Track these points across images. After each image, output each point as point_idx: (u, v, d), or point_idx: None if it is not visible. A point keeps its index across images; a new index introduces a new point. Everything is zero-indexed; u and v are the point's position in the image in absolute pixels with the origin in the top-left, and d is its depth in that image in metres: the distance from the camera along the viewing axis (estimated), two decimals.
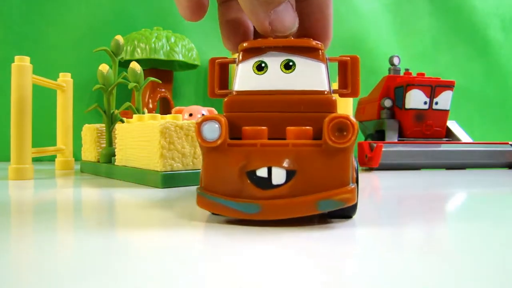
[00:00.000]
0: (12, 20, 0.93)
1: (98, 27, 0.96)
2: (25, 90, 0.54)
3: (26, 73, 0.54)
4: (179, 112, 0.58)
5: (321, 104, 0.27)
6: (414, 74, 0.88)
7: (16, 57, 0.54)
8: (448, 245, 0.22)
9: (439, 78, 0.85)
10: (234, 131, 0.27)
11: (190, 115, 0.57)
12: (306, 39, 0.28)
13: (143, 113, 0.56)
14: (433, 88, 0.83)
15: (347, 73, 0.31)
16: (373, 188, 0.49)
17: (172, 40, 0.88)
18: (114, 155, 0.57)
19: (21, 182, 0.50)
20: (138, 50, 0.85)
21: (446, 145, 0.81)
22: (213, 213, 0.28)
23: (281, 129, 0.27)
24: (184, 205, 0.33)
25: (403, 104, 0.83)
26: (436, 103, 0.84)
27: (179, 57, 0.87)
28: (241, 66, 0.29)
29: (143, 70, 0.92)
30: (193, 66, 0.95)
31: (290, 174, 0.25)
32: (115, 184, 0.49)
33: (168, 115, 0.49)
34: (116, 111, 0.60)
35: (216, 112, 0.35)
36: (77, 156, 0.73)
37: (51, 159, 0.74)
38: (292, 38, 0.29)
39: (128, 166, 0.52)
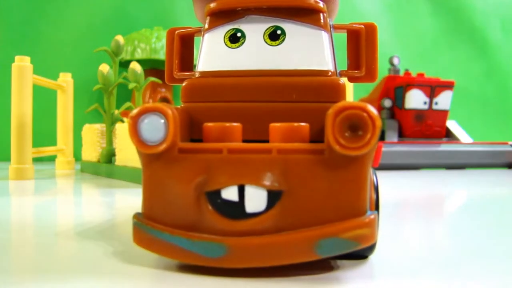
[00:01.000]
0: (12, 20, 0.93)
1: (98, 27, 0.96)
2: (26, 90, 0.54)
3: (26, 73, 0.54)
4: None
5: (322, 90, 0.18)
6: (414, 75, 0.88)
7: (17, 57, 0.54)
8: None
9: (439, 78, 0.85)
10: (195, 130, 0.18)
11: None
12: None
13: None
14: (432, 88, 0.83)
15: (360, 48, 0.21)
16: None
17: None
18: (115, 155, 0.57)
19: (22, 182, 0.50)
20: (139, 50, 0.85)
21: (446, 145, 0.81)
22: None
23: (262, 126, 0.18)
24: None
25: (403, 104, 0.83)
26: (436, 103, 0.84)
27: None
28: (207, 37, 0.20)
29: (144, 70, 0.92)
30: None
31: (274, 196, 0.15)
32: (115, 184, 0.49)
33: None
34: (117, 111, 0.60)
35: None
36: (77, 156, 0.73)
37: (52, 159, 0.74)
38: None
39: (128, 166, 0.52)
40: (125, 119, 0.55)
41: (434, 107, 0.84)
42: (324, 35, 0.19)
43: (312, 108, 0.18)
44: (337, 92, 0.18)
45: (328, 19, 0.20)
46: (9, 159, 0.54)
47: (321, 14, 0.19)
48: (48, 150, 0.65)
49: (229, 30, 0.19)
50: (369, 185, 0.16)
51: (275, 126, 0.17)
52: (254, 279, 0.15)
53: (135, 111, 0.16)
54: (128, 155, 0.53)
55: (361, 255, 0.18)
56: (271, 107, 0.18)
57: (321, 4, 0.19)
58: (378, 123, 0.15)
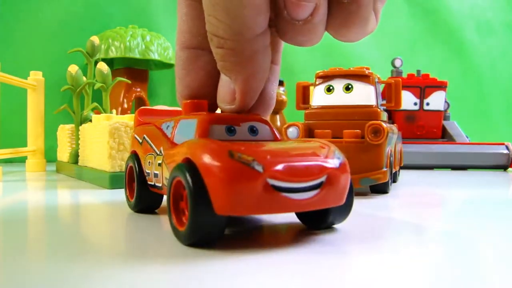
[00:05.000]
0: None
1: (71, 24, 0.93)
2: None
3: None
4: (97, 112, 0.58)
5: (368, 114, 0.41)
6: (404, 75, 0.88)
7: None
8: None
9: (436, 79, 0.85)
10: (311, 134, 0.43)
11: None
12: (361, 68, 0.43)
13: (111, 113, 0.56)
14: (422, 89, 0.84)
15: (391, 91, 0.45)
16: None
17: (148, 38, 0.86)
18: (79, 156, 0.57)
19: None
20: (113, 48, 0.83)
21: (439, 146, 0.81)
22: None
23: (340, 131, 0.41)
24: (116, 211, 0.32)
25: None
26: (428, 104, 0.84)
27: (155, 56, 0.86)
28: (316, 88, 0.44)
29: (118, 69, 0.90)
30: (169, 65, 0.93)
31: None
32: (72, 185, 0.47)
33: (126, 115, 0.49)
34: (85, 112, 0.59)
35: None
36: (51, 157, 0.71)
37: (22, 160, 0.72)
38: (352, 68, 0.44)
39: (87, 166, 0.52)
40: (92, 116, 0.54)
41: (426, 107, 0.84)
42: (372, 88, 0.43)
43: (363, 123, 0.41)
44: (376, 115, 0.41)
45: (375, 78, 0.43)
46: None
47: (370, 77, 0.43)
48: (18, 151, 0.63)
49: (327, 85, 0.44)
50: (386, 157, 0.40)
51: (346, 131, 0.41)
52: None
53: (286, 125, 0.43)
54: (86, 155, 0.52)
55: (383, 191, 0.43)
56: (345, 122, 0.42)
57: (370, 73, 0.43)
58: (387, 130, 0.39)
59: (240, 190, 0.20)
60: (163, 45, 0.88)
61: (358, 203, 0.37)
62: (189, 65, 0.27)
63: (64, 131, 0.64)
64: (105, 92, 0.57)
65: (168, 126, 0.28)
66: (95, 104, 0.58)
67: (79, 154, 0.56)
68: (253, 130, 0.26)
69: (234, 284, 0.17)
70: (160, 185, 0.27)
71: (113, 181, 0.44)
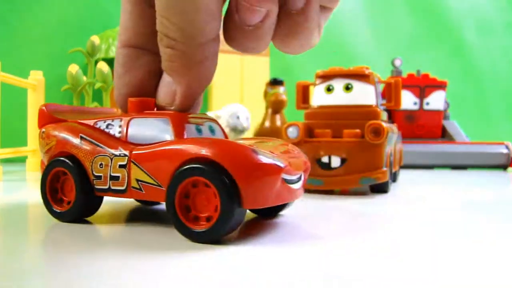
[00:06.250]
0: None
1: (71, 23, 0.93)
2: None
3: None
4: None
5: (368, 114, 0.41)
6: (404, 75, 0.88)
7: None
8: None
9: (436, 78, 0.85)
10: (311, 133, 0.43)
11: None
12: (360, 68, 0.43)
13: None
14: (421, 88, 0.84)
15: (391, 91, 0.45)
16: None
17: None
18: None
19: None
20: (113, 48, 0.83)
21: (439, 145, 0.80)
22: None
23: (340, 130, 0.41)
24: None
25: None
26: (427, 104, 0.84)
27: None
28: (316, 88, 0.44)
29: None
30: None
31: (343, 160, 0.40)
32: None
33: None
34: None
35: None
36: None
37: (23, 160, 0.72)
38: (352, 68, 0.43)
39: None
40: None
41: (426, 107, 0.84)
42: (372, 88, 0.43)
43: (363, 123, 0.40)
44: (376, 115, 0.42)
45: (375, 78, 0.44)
46: None
47: (370, 77, 0.43)
48: (18, 151, 0.63)
49: (327, 85, 0.43)
50: (386, 156, 0.39)
51: (346, 131, 0.41)
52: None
53: (286, 125, 0.43)
54: None
55: (383, 191, 0.43)
56: (345, 122, 0.42)
57: (370, 73, 0.43)
58: (387, 130, 0.39)
59: (268, 185, 0.22)
60: None
61: (358, 203, 0.37)
62: (129, 63, 0.26)
63: None
64: (106, 92, 0.57)
65: (110, 124, 0.27)
66: (96, 104, 0.58)
67: None
68: (212, 129, 0.27)
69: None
70: (122, 188, 0.25)
71: None
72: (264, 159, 0.22)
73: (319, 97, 0.44)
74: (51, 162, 0.28)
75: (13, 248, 0.22)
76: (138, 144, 0.25)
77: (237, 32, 0.23)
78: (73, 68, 0.58)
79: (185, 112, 0.26)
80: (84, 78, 0.61)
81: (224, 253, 0.21)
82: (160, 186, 0.24)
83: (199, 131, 0.26)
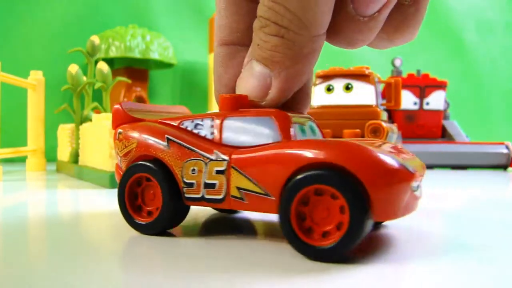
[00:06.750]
0: None
1: (71, 24, 0.93)
2: None
3: None
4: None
5: (368, 114, 0.42)
6: (404, 75, 0.88)
7: None
8: None
9: (435, 78, 0.85)
10: None
11: None
12: (360, 68, 0.43)
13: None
14: (421, 88, 0.84)
15: (391, 91, 0.46)
16: None
17: (148, 38, 0.86)
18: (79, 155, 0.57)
19: None
20: (113, 48, 0.83)
21: (439, 145, 0.80)
22: None
23: (341, 130, 0.41)
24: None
25: None
26: (427, 104, 0.84)
27: (155, 55, 0.86)
28: (317, 88, 0.45)
29: (118, 68, 0.90)
30: (169, 65, 0.93)
31: None
32: (72, 185, 0.47)
33: None
34: (85, 112, 0.59)
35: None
36: (51, 156, 0.71)
37: (23, 160, 0.72)
38: (352, 68, 0.44)
39: (87, 166, 0.52)
40: (93, 115, 0.54)
41: (426, 107, 0.84)
42: (372, 87, 0.43)
43: (363, 123, 0.41)
44: (375, 115, 0.42)
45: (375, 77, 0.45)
46: None
47: (370, 77, 0.43)
48: (18, 151, 0.63)
49: (327, 85, 0.44)
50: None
51: (346, 131, 0.40)
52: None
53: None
54: (87, 155, 0.52)
55: None
56: (345, 121, 0.42)
57: (370, 72, 0.42)
58: (386, 129, 0.41)
59: (401, 194, 0.19)
60: (163, 44, 0.89)
61: None
62: (226, 62, 0.25)
63: (64, 131, 0.64)
64: (105, 91, 0.57)
65: (199, 124, 0.24)
66: (95, 103, 0.58)
67: (79, 153, 0.56)
68: (313, 130, 0.24)
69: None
70: (219, 197, 0.22)
71: (113, 180, 0.44)
72: (395, 163, 0.19)
73: (319, 97, 0.45)
74: (131, 166, 0.25)
75: (13, 248, 0.22)
76: (237, 146, 0.22)
77: (348, 24, 0.21)
78: (73, 68, 0.59)
79: (276, 109, 0.23)
80: (84, 78, 0.61)
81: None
82: (268, 195, 0.21)
83: (303, 131, 0.23)
